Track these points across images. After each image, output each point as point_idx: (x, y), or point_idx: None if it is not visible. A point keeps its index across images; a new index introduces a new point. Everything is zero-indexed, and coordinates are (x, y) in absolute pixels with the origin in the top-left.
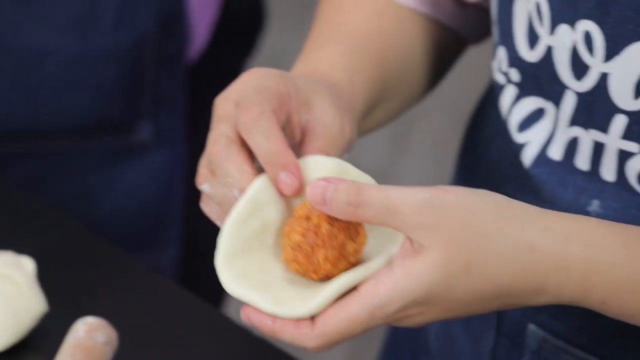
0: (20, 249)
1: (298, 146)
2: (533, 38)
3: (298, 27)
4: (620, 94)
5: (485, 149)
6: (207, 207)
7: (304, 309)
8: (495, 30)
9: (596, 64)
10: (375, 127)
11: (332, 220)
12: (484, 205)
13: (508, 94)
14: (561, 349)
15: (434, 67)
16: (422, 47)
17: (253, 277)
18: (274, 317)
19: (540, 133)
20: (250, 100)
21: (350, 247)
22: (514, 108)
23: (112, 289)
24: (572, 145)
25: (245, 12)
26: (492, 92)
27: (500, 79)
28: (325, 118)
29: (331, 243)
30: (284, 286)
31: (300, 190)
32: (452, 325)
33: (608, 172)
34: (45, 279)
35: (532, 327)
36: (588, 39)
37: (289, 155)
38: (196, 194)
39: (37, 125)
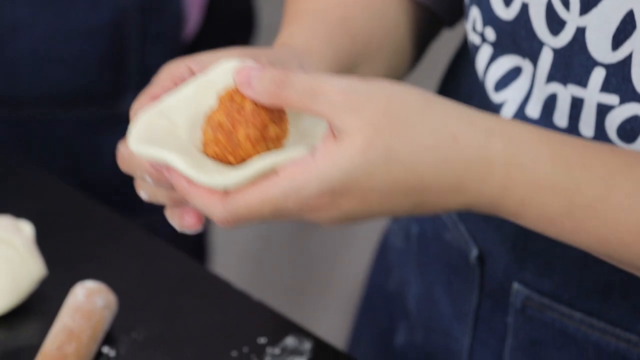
0: (18, 213)
1: None
2: None
3: None
4: (598, 47)
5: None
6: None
7: (220, 179)
8: None
9: (572, 18)
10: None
11: (256, 102)
12: (410, 95)
13: (484, 54)
14: (546, 306)
15: (410, 38)
16: (395, 16)
17: (170, 145)
18: (190, 180)
19: (518, 91)
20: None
21: (273, 130)
22: (490, 67)
23: (110, 252)
24: (550, 102)
25: None
26: (464, 53)
27: (475, 39)
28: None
29: (253, 121)
30: (203, 158)
31: None
32: (433, 287)
33: (587, 128)
34: (44, 242)
35: (516, 285)
36: None
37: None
38: None
39: (16, 93)
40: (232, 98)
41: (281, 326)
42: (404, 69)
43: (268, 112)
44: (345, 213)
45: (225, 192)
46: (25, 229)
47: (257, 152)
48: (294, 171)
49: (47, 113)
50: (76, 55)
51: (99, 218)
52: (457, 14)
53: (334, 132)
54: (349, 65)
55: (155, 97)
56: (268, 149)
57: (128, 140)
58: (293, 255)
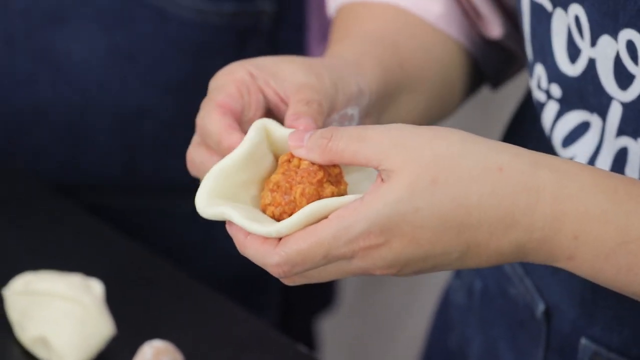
0: (89, 272)
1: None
2: (573, 52)
3: None
4: None
5: None
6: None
7: (273, 227)
8: (528, 48)
9: None
10: (411, 119)
11: (313, 164)
12: (453, 133)
13: (550, 110)
14: None
15: (452, 80)
16: (442, 55)
17: (231, 202)
18: (247, 232)
19: (587, 146)
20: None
21: (329, 189)
22: (557, 124)
23: (177, 311)
24: (620, 156)
25: None
26: (528, 111)
27: (540, 96)
28: (297, 77)
29: (309, 179)
30: (262, 216)
31: None
32: (497, 343)
33: None
34: (113, 301)
35: (584, 340)
36: (631, 48)
37: (233, 137)
38: None
39: (133, 182)
40: (290, 160)
41: None
42: (444, 109)
43: (325, 173)
44: (397, 256)
45: (279, 240)
46: (95, 288)
47: None
48: (342, 213)
49: (160, 203)
50: None
51: (168, 277)
52: (502, 77)
53: (382, 178)
54: (395, 90)
55: (223, 107)
56: None
57: (197, 200)
58: (357, 312)
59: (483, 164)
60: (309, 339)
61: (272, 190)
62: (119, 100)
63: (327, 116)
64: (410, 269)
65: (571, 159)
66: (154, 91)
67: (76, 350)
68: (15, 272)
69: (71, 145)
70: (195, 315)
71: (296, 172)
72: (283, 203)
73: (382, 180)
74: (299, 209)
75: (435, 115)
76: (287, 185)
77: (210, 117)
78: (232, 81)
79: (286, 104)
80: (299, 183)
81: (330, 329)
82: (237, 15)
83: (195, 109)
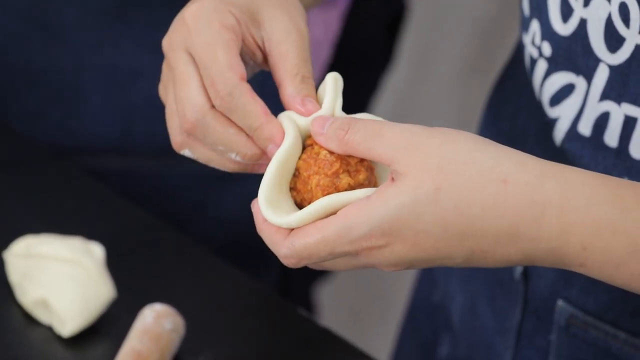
0: (89, 235)
1: (263, 64)
2: (566, 11)
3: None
4: None
5: (511, 123)
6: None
7: (284, 219)
8: (525, 4)
9: (632, 35)
10: None
11: (333, 152)
12: (464, 138)
13: (540, 68)
14: (590, 324)
15: None
16: None
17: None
18: (264, 218)
19: (570, 108)
20: (208, 58)
21: (345, 180)
22: (545, 83)
23: (178, 275)
24: (601, 121)
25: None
26: (517, 65)
27: (533, 52)
28: (280, 34)
29: (325, 170)
30: (288, 200)
31: None
32: (477, 301)
33: (637, 149)
34: (113, 265)
35: (560, 303)
36: (624, 10)
37: (272, 125)
38: None
39: (128, 145)
40: (313, 146)
41: (346, 352)
42: None
43: (343, 163)
44: (401, 257)
45: (291, 231)
46: (95, 251)
47: None
48: (348, 212)
49: (157, 165)
50: None
51: (169, 241)
52: None
53: (392, 176)
54: None
55: (244, 78)
56: None
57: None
58: (355, 278)
59: (488, 174)
60: (308, 305)
61: (294, 175)
62: (112, 62)
63: None
64: (417, 267)
65: (556, 119)
66: (147, 53)
67: (77, 313)
68: (16, 235)
69: (65, 108)
70: (196, 279)
71: (315, 161)
72: (303, 191)
73: (392, 179)
74: (314, 198)
75: None
76: (305, 174)
77: (245, 99)
78: (226, 32)
79: (262, 51)
80: (316, 173)
81: (330, 295)
82: None
83: None
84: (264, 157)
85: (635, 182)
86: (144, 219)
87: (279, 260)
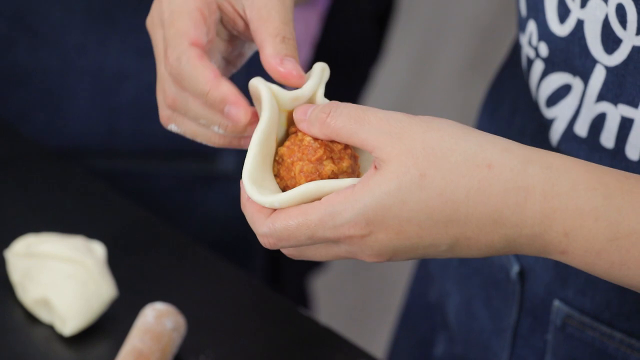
0: (91, 235)
1: (245, 33)
2: (563, 12)
3: None
4: None
5: (507, 123)
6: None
7: (267, 198)
8: (521, 3)
9: (629, 36)
10: None
11: (317, 139)
12: (448, 125)
13: (536, 69)
14: (586, 325)
15: None
16: None
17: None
18: (248, 197)
19: (567, 109)
20: (168, 27)
21: (329, 167)
22: (542, 83)
23: (180, 274)
24: (598, 122)
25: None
26: (514, 66)
27: (530, 53)
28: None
29: (308, 156)
30: (273, 182)
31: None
32: (472, 301)
33: (633, 150)
34: (115, 264)
35: (557, 303)
36: (621, 12)
37: (223, 86)
38: None
39: (114, 145)
40: (297, 134)
41: (346, 350)
42: None
43: (327, 149)
44: (384, 246)
45: (273, 211)
46: (97, 250)
47: None
48: (333, 198)
49: (143, 166)
50: None
51: (170, 240)
52: None
53: (375, 165)
54: None
55: (198, 45)
56: None
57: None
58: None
59: (472, 160)
60: (303, 301)
61: (277, 162)
62: (98, 64)
63: None
64: (400, 257)
65: (553, 120)
66: (133, 55)
67: (78, 312)
68: (17, 234)
69: (51, 109)
70: (197, 278)
71: (299, 147)
72: (286, 178)
73: (375, 168)
74: (298, 184)
75: None
76: (289, 161)
77: (192, 64)
78: (192, 2)
79: (243, 20)
80: (299, 160)
81: (327, 292)
82: None
83: None
84: (248, 129)
85: (619, 170)
86: (146, 218)
87: (265, 259)
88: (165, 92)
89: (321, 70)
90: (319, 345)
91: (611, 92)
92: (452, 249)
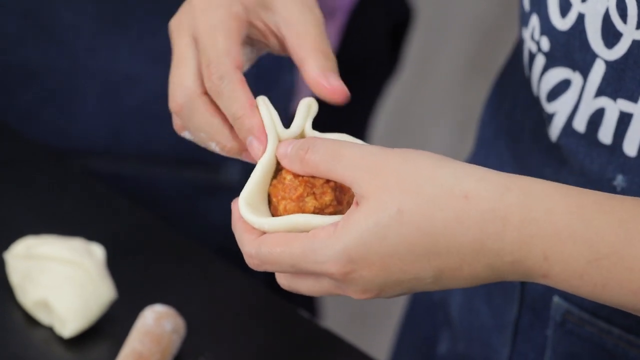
0: (90, 236)
1: (278, 49)
2: (565, 5)
3: None
4: None
5: (508, 119)
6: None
7: (258, 219)
8: None
9: (629, 30)
10: None
11: (298, 176)
12: (423, 157)
13: (538, 63)
14: (585, 320)
15: None
16: None
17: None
18: (240, 215)
19: (566, 104)
20: (208, 42)
21: (310, 203)
22: (543, 78)
23: (179, 276)
24: (596, 117)
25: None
26: (517, 61)
27: (532, 47)
28: (295, 16)
29: (290, 195)
30: (268, 215)
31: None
32: (474, 298)
33: (631, 146)
34: (114, 266)
35: (556, 299)
36: (621, 5)
37: (255, 117)
38: None
39: (118, 149)
40: (281, 171)
41: (346, 353)
42: None
43: (307, 186)
44: (369, 282)
45: (262, 234)
46: (96, 252)
47: None
48: (317, 233)
49: (146, 172)
50: None
51: (169, 242)
52: None
53: (357, 200)
54: None
55: (239, 67)
56: None
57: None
58: None
59: (449, 192)
60: (306, 304)
61: (268, 200)
62: (108, 67)
63: None
64: (388, 293)
65: (553, 115)
66: (143, 60)
67: (77, 314)
68: (16, 236)
69: (58, 109)
70: (197, 280)
71: (282, 185)
72: (275, 215)
73: (356, 203)
74: None
75: None
76: (275, 200)
77: (232, 87)
78: (231, 19)
79: (277, 37)
80: (283, 199)
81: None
82: None
83: None
84: (244, 154)
85: (600, 192)
86: (145, 220)
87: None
88: (174, 97)
89: (306, 107)
90: (319, 349)
91: (610, 86)
92: (438, 281)
